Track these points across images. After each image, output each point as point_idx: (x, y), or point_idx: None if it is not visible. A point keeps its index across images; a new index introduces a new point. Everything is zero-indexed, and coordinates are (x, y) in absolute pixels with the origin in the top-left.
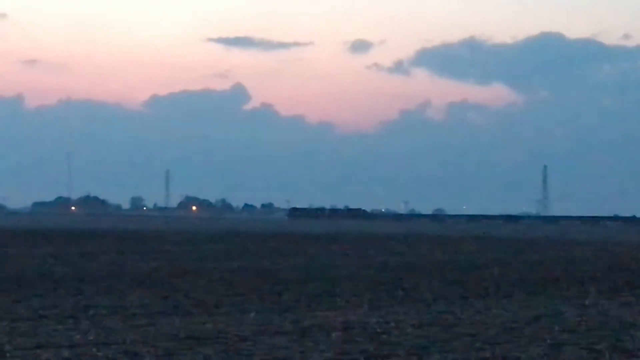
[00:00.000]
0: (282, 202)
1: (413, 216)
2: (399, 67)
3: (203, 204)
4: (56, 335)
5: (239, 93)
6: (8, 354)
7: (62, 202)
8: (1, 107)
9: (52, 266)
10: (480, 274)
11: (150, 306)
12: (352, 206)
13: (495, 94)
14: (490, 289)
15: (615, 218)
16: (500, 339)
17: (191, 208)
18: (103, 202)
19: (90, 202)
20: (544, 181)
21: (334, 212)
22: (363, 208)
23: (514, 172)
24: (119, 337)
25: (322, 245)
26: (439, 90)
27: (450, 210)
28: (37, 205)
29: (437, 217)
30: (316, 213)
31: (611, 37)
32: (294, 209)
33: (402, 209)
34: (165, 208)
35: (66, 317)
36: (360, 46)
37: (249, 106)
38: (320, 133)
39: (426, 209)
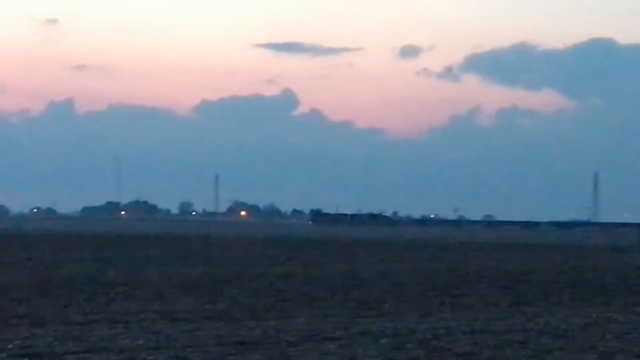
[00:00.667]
0: (331, 207)
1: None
2: (448, 73)
3: (252, 209)
4: (106, 339)
5: (288, 98)
6: (58, 358)
7: (112, 207)
8: (52, 112)
9: (102, 271)
10: (531, 281)
11: (198, 311)
12: (401, 213)
13: (545, 99)
14: (541, 296)
15: None
16: (550, 347)
17: (240, 213)
18: (152, 207)
19: (139, 206)
20: (595, 188)
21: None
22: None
23: (564, 178)
24: (168, 342)
25: (369, 251)
26: (489, 96)
27: (500, 216)
28: (87, 209)
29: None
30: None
31: None
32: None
33: (451, 215)
34: (214, 213)
35: (116, 321)
36: (409, 52)
37: (297, 112)
38: (369, 139)
39: (476, 215)
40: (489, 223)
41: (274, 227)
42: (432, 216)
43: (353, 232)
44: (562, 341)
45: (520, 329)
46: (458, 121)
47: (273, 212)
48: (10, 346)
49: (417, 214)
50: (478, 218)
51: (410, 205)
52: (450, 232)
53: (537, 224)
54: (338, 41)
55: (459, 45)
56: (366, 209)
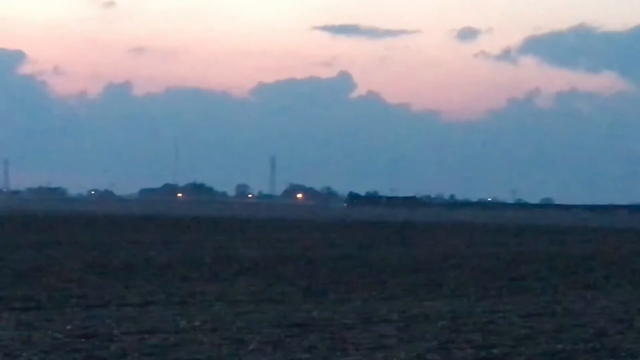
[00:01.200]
0: (387, 190)
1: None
2: (506, 55)
3: (308, 192)
4: (163, 321)
5: (345, 81)
6: (116, 339)
7: (169, 189)
8: (110, 95)
9: (159, 253)
10: (592, 265)
11: (256, 293)
12: (459, 196)
13: (605, 82)
14: (601, 279)
15: None
16: (609, 331)
17: (296, 196)
18: (209, 189)
19: (196, 189)
20: None
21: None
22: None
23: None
24: (225, 324)
25: (424, 234)
26: (548, 79)
27: (558, 199)
28: (144, 191)
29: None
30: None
31: None
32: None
33: (509, 198)
34: (270, 196)
35: (173, 303)
36: (467, 34)
37: (354, 94)
38: (426, 121)
39: (534, 198)
40: (547, 206)
41: (330, 210)
42: (489, 199)
43: (408, 214)
44: (620, 325)
45: (579, 313)
46: (516, 104)
47: (330, 195)
48: (68, 327)
49: (474, 197)
50: (536, 201)
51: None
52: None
53: (598, 207)
54: (395, 23)
55: (517, 27)
56: (423, 192)
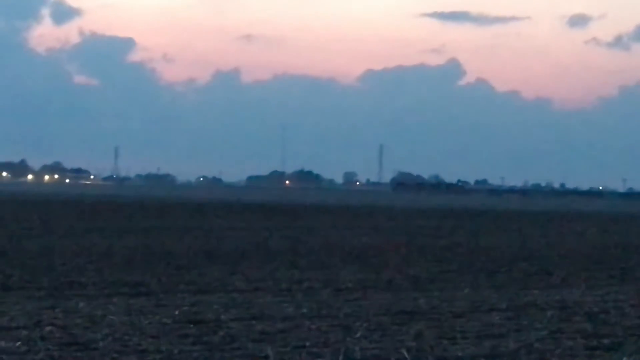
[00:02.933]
0: (496, 178)
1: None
2: (618, 42)
3: (416, 179)
4: (270, 307)
5: (454, 68)
6: (224, 325)
7: (277, 176)
8: (219, 82)
9: (267, 239)
10: None
11: (363, 281)
12: (569, 185)
13: None
14: None
15: None
16: None
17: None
18: (316, 176)
19: (303, 176)
20: None
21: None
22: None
23: None
24: (332, 311)
25: (533, 223)
26: None
27: None
28: (252, 178)
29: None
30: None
31: None
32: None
33: (620, 187)
34: (378, 183)
35: (280, 289)
36: (578, 21)
37: (463, 82)
38: (536, 109)
39: None
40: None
41: (438, 198)
42: (600, 188)
43: (516, 204)
44: None
45: None
46: (628, 91)
47: (438, 182)
48: (176, 312)
49: (584, 185)
50: None
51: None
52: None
53: None
54: (505, 10)
55: (630, 13)
56: (532, 180)
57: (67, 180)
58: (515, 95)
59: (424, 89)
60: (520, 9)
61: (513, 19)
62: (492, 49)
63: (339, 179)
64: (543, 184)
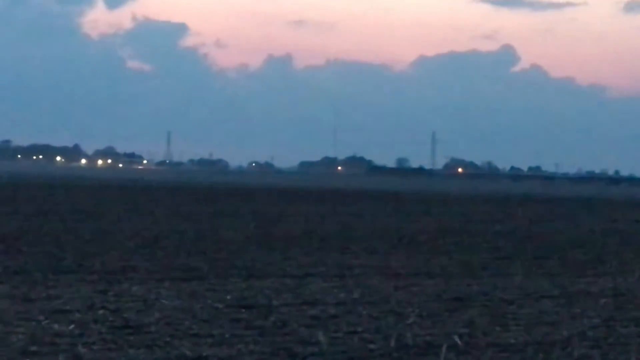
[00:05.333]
0: (550, 165)
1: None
2: None
3: (469, 166)
4: (322, 292)
5: (507, 54)
6: (275, 310)
7: (329, 162)
8: (271, 67)
9: (319, 225)
10: None
11: (414, 267)
12: (624, 172)
13: None
14: None
15: None
16: None
17: (457, 170)
18: (368, 162)
19: (355, 162)
20: None
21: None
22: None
23: None
24: (384, 297)
25: (586, 209)
26: None
27: None
28: (304, 164)
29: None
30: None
31: None
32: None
33: None
34: (431, 170)
35: (332, 275)
36: (634, 6)
37: (517, 68)
38: (591, 96)
39: None
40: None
41: (489, 185)
42: None
43: (569, 191)
44: None
45: None
46: None
47: (491, 169)
48: (228, 297)
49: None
50: None
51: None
52: None
53: None
54: None
55: None
56: (587, 167)
57: (120, 165)
58: (569, 82)
59: (477, 75)
60: None
61: (568, 4)
62: (546, 35)
63: (391, 165)
64: (597, 171)
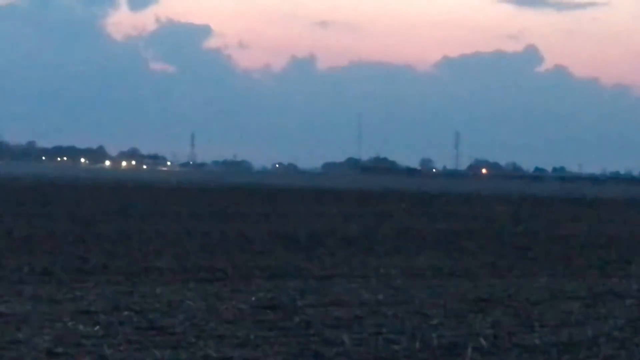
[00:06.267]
0: (574, 166)
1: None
2: None
3: (493, 167)
4: (346, 293)
5: (531, 55)
6: (300, 310)
7: (352, 163)
8: (294, 68)
9: (343, 225)
10: None
11: (439, 267)
12: None
13: None
14: None
15: None
16: None
17: (481, 171)
18: (392, 163)
19: (379, 163)
20: None
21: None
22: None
23: None
24: (408, 297)
25: (611, 210)
26: None
27: None
28: (328, 165)
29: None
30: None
31: None
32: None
33: None
34: (454, 170)
35: (356, 276)
36: None
37: (541, 68)
38: (615, 96)
39: None
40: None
41: (513, 185)
42: None
43: (597, 191)
44: None
45: None
46: None
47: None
48: (253, 298)
49: None
50: None
51: None
52: None
53: None
54: None
55: None
56: (611, 168)
57: (144, 167)
58: (594, 82)
59: (501, 76)
60: None
61: (591, 4)
62: (570, 35)
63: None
64: (622, 171)
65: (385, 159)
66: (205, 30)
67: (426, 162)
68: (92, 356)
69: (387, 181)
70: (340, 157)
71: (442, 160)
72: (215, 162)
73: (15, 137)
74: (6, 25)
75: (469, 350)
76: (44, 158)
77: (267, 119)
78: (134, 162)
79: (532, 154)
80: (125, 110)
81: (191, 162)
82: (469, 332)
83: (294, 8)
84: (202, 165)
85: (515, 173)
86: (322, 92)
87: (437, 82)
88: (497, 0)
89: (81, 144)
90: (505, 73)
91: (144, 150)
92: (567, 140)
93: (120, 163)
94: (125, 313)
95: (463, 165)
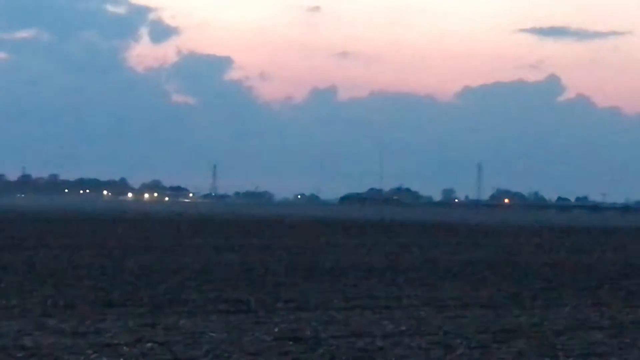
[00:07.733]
0: (598, 195)
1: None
2: None
3: (516, 197)
4: (369, 324)
5: (552, 84)
6: (323, 342)
7: (374, 194)
8: (315, 99)
9: (365, 256)
10: None
11: (462, 298)
12: None
13: None
14: None
15: None
16: None
17: (503, 201)
18: (414, 193)
19: (401, 193)
20: None
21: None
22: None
23: None
24: (432, 328)
25: (635, 240)
26: None
27: None
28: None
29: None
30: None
31: None
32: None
33: None
34: (477, 200)
35: (379, 306)
36: None
37: (563, 97)
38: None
39: None
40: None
41: (537, 215)
42: None
43: (617, 220)
44: None
45: None
46: None
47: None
48: (276, 329)
49: None
50: None
51: None
52: None
53: None
54: (605, 24)
55: None
56: (634, 197)
57: (166, 198)
58: (616, 112)
59: (522, 106)
60: (621, 23)
61: (612, 33)
62: (592, 65)
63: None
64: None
65: (407, 189)
66: (226, 62)
67: (448, 193)
68: None
69: (408, 212)
70: (362, 188)
71: (464, 190)
72: (237, 194)
73: (38, 170)
74: (28, 58)
75: None
76: (66, 191)
77: (289, 150)
78: (156, 194)
79: (555, 184)
80: (147, 142)
81: (213, 194)
82: None
83: (314, 39)
84: (224, 196)
85: (538, 203)
86: (343, 122)
87: (458, 112)
88: (518, 30)
89: (103, 177)
90: (526, 103)
91: (166, 182)
92: (590, 169)
93: (143, 195)
94: (149, 345)
95: (485, 195)
